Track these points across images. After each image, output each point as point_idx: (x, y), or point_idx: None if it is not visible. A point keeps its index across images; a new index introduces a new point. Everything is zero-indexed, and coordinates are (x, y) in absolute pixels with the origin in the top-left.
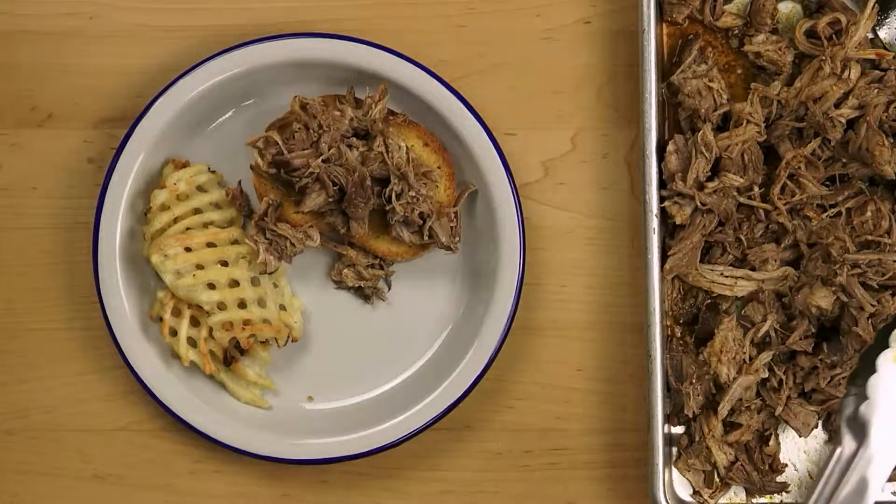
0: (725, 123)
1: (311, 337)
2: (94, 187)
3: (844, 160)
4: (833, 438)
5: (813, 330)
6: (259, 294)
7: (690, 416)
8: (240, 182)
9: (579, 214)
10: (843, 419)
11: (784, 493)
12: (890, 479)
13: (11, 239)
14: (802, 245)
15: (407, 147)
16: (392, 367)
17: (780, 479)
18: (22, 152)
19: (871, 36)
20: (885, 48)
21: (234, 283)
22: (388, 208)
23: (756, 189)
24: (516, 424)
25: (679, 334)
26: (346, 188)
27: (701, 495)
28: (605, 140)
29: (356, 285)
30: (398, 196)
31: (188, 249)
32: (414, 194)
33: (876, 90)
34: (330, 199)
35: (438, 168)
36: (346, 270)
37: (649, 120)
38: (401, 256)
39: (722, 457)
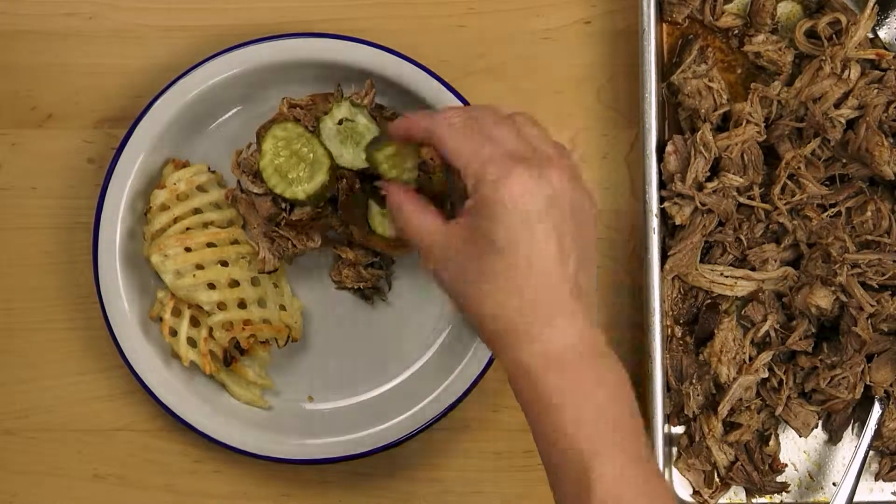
0: (725, 123)
1: (311, 337)
2: (94, 187)
3: (844, 160)
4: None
5: (813, 330)
6: (259, 294)
7: (690, 416)
8: (239, 182)
9: None
10: None
11: (784, 493)
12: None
13: (11, 239)
14: (802, 245)
15: None
16: (392, 367)
17: (780, 479)
18: (22, 152)
19: (871, 36)
20: (885, 48)
21: (234, 283)
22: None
23: (756, 189)
24: (516, 424)
25: (679, 334)
26: (337, 194)
27: (701, 495)
28: (605, 140)
29: (356, 286)
30: None
31: (188, 249)
32: None
33: (876, 90)
34: (319, 207)
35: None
36: (346, 271)
37: (649, 120)
38: (400, 251)
39: (722, 457)
